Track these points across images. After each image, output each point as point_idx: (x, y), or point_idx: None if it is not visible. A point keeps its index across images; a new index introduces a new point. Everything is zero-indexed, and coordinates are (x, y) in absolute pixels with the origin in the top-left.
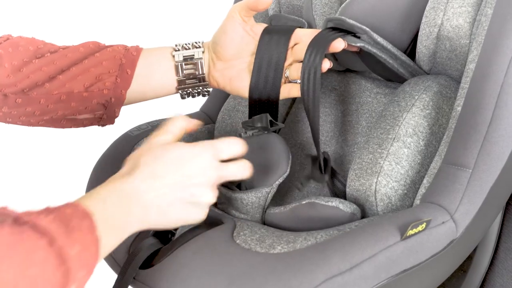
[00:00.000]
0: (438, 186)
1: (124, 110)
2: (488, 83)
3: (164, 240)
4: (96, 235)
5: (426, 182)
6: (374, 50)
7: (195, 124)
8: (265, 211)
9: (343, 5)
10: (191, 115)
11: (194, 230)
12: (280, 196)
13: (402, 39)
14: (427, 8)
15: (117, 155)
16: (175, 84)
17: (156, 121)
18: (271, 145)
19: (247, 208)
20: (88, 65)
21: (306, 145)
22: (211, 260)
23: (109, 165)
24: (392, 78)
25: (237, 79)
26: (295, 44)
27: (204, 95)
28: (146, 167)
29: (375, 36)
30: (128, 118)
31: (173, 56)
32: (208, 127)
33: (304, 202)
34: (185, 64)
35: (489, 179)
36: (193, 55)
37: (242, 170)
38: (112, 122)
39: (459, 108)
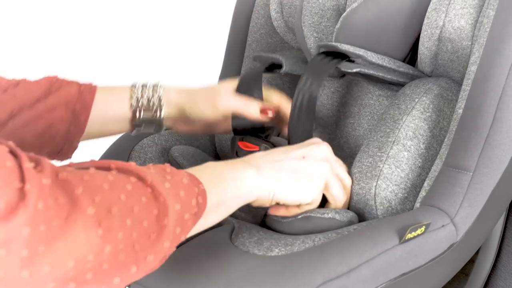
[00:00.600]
0: (438, 189)
1: None
2: (490, 85)
3: None
4: (201, 187)
5: (426, 185)
6: (371, 71)
7: None
8: (266, 214)
9: (343, 15)
10: None
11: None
12: None
13: (404, 44)
14: (429, 9)
15: (117, 156)
16: (131, 128)
17: None
18: None
19: (250, 207)
20: (39, 110)
21: None
22: (208, 262)
23: None
24: (394, 83)
25: (192, 127)
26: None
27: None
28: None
29: (370, 58)
30: None
31: (131, 105)
32: None
33: (299, 217)
34: (143, 111)
35: (490, 182)
36: (152, 103)
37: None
38: (64, 160)
39: (460, 111)
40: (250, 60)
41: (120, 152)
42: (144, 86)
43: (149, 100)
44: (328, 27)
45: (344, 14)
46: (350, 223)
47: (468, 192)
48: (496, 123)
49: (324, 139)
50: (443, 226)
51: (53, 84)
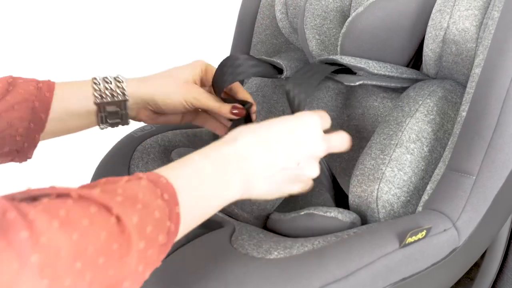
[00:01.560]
0: (440, 193)
1: None
2: (494, 88)
3: None
4: (176, 211)
5: (429, 188)
6: (373, 82)
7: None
8: (269, 216)
9: (349, 19)
10: None
11: (192, 233)
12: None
13: (409, 47)
14: (433, 11)
15: (120, 156)
16: (95, 123)
17: None
18: None
19: (253, 208)
20: None
21: None
22: (206, 264)
23: (112, 166)
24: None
25: (165, 117)
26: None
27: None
28: (250, 133)
29: (372, 70)
30: None
31: (98, 105)
32: None
33: (302, 213)
34: (106, 105)
35: (494, 186)
36: (116, 96)
37: (345, 142)
38: (25, 160)
39: (464, 113)
40: None
41: (123, 153)
42: (105, 79)
43: (112, 92)
44: (330, 29)
45: (350, 18)
46: (352, 224)
47: (471, 196)
48: (500, 127)
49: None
50: (445, 230)
51: (9, 84)
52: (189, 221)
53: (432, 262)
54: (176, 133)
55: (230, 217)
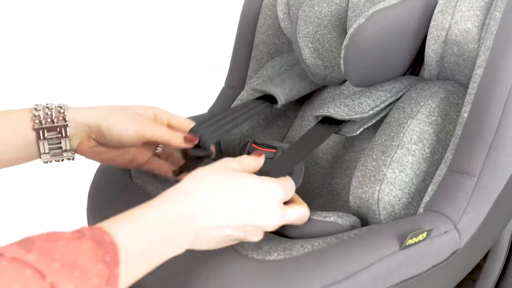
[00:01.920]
0: (441, 194)
1: None
2: (495, 89)
3: None
4: (116, 272)
5: (430, 190)
6: (373, 121)
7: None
8: None
9: (351, 31)
10: (199, 117)
11: None
12: None
13: (411, 53)
14: (435, 11)
15: (118, 169)
16: (37, 157)
17: None
18: None
19: None
20: None
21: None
22: (207, 265)
23: (111, 168)
24: None
25: (109, 153)
26: None
27: (68, 159)
28: (209, 189)
29: (368, 113)
30: None
31: (36, 131)
32: None
33: None
34: (47, 133)
35: (495, 187)
36: (58, 133)
37: (302, 218)
38: None
39: (466, 114)
40: (257, 61)
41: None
42: (47, 106)
43: (52, 118)
44: (325, 35)
45: (351, 30)
46: (352, 227)
47: (472, 198)
48: (502, 128)
49: (329, 141)
50: (446, 232)
51: None
52: (128, 278)
53: (433, 264)
54: None
55: None
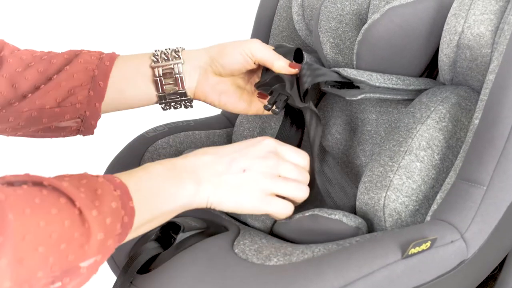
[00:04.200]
0: (449, 202)
1: (141, 110)
2: (507, 95)
3: (165, 244)
4: (130, 205)
5: (439, 198)
6: (376, 95)
7: None
8: (276, 221)
9: (365, 26)
10: (212, 118)
11: (196, 237)
12: None
13: (426, 54)
14: (449, 15)
15: (131, 156)
16: (155, 98)
17: (173, 122)
18: None
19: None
20: (58, 79)
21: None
22: (206, 269)
23: (123, 166)
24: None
25: (226, 94)
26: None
27: (186, 107)
28: (201, 150)
29: (374, 83)
30: (146, 119)
31: (152, 69)
32: (227, 130)
33: (307, 214)
34: (164, 79)
35: (506, 197)
36: (172, 68)
37: (301, 158)
38: (91, 132)
39: (477, 121)
40: None
41: (133, 153)
42: (166, 49)
43: (168, 56)
44: (346, 32)
45: (366, 26)
46: (357, 229)
47: (481, 207)
48: None
49: (340, 145)
50: (452, 241)
51: (75, 55)
52: (141, 216)
53: (437, 274)
54: (189, 135)
55: (239, 221)
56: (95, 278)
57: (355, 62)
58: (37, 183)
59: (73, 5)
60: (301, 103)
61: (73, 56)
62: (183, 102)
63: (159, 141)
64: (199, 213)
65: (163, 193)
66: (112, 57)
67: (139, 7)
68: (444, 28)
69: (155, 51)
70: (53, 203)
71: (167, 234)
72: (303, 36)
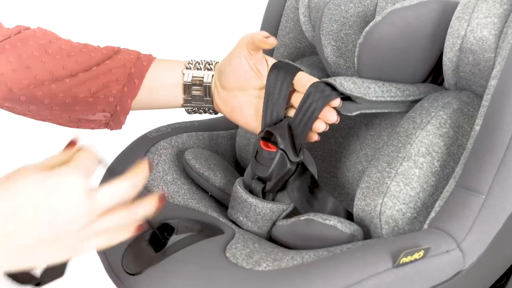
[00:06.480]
0: (447, 211)
1: (144, 111)
2: (509, 102)
3: (158, 246)
4: None
5: (437, 206)
6: (373, 111)
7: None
8: (274, 226)
9: (366, 29)
10: (216, 119)
11: (189, 239)
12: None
13: (430, 57)
14: (452, 18)
15: (133, 156)
16: (181, 101)
17: (177, 123)
18: None
19: (257, 217)
20: (97, 71)
21: (328, 167)
22: (195, 273)
23: (124, 166)
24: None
25: (237, 110)
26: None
27: (210, 113)
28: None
29: (371, 98)
30: (149, 120)
31: (183, 74)
32: (231, 132)
33: (302, 218)
34: (193, 85)
35: (506, 206)
36: (203, 77)
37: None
38: (119, 127)
39: (478, 128)
40: None
41: (135, 153)
42: (200, 60)
43: (200, 65)
44: (349, 35)
45: (367, 28)
46: (352, 236)
47: (479, 216)
48: None
49: (343, 150)
50: (447, 251)
51: (114, 52)
52: None
53: (431, 285)
54: (191, 135)
55: (235, 224)
56: (93, 278)
57: (356, 65)
58: None
59: (76, 5)
60: (294, 158)
61: (111, 52)
62: (207, 109)
63: (161, 142)
64: (195, 215)
65: None
66: (150, 58)
67: (141, 8)
68: (448, 31)
69: (191, 60)
70: None
71: (161, 236)
72: (310, 38)
